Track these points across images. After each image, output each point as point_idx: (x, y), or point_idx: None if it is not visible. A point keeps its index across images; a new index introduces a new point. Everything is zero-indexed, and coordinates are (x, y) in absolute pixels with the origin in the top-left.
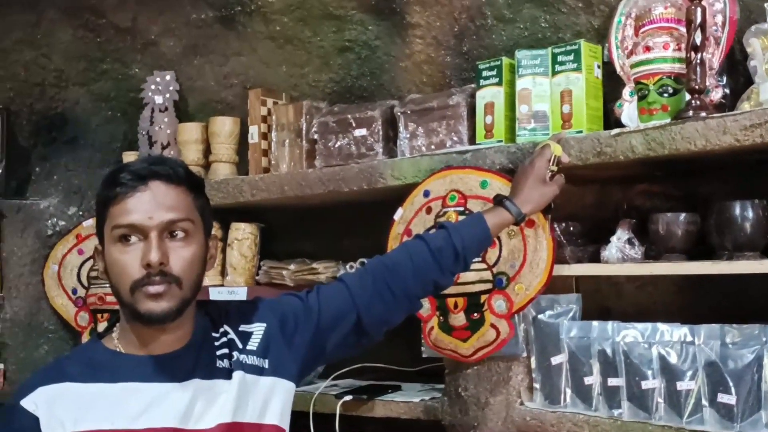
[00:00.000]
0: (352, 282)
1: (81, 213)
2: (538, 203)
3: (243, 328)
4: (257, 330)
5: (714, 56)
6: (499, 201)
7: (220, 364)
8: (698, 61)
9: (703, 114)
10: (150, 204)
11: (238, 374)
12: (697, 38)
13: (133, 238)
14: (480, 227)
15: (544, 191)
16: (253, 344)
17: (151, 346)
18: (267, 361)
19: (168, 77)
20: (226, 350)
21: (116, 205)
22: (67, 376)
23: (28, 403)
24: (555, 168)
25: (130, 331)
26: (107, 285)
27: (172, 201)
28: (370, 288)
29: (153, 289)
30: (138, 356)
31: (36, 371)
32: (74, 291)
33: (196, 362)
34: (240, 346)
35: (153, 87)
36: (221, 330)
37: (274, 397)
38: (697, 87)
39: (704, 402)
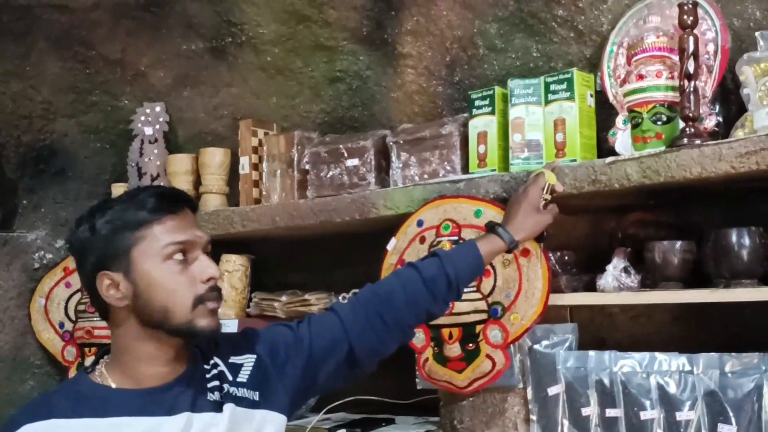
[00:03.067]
0: (344, 311)
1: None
2: (531, 231)
3: (233, 359)
4: (247, 362)
5: (707, 84)
6: (491, 228)
7: (210, 396)
8: (692, 88)
9: (698, 141)
10: (193, 224)
11: (228, 407)
12: (690, 66)
13: (183, 256)
14: (472, 255)
15: (537, 219)
16: (243, 376)
17: (145, 379)
18: (258, 393)
19: (158, 108)
20: (216, 382)
21: (163, 224)
22: (55, 412)
23: None
24: (549, 196)
25: (124, 363)
26: (95, 318)
27: (197, 223)
28: (362, 318)
29: (212, 305)
30: (127, 390)
31: (22, 407)
32: (61, 325)
33: (186, 395)
34: (230, 378)
35: (143, 118)
36: (212, 362)
37: (265, 430)
38: (691, 114)
39: None
